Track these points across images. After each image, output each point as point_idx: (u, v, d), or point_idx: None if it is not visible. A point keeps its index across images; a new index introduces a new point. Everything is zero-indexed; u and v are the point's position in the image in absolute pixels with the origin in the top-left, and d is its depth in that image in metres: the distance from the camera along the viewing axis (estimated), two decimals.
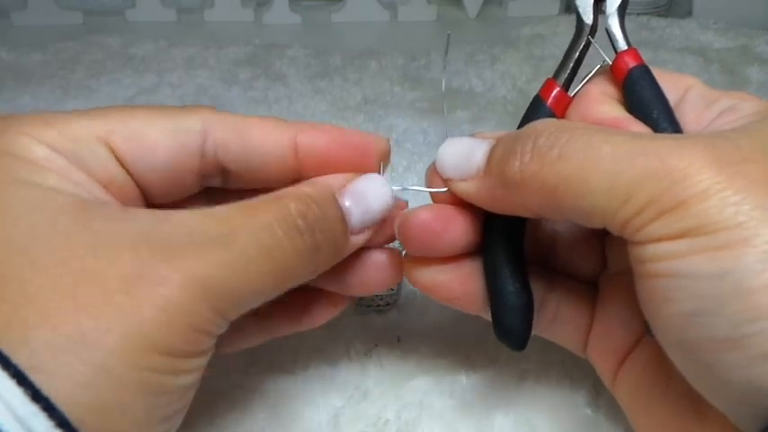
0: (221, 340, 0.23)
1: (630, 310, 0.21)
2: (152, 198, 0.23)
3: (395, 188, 0.25)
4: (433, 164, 0.25)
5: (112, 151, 0.21)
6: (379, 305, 0.31)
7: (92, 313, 0.17)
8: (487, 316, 0.25)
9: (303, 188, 0.22)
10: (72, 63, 0.57)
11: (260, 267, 0.20)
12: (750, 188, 0.18)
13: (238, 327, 0.24)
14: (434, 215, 0.24)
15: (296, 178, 0.24)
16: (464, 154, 0.23)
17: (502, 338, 0.25)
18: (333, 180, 0.24)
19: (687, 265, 0.18)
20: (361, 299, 0.31)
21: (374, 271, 0.25)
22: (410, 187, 0.25)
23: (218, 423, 0.27)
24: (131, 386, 0.17)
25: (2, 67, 0.57)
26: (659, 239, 0.19)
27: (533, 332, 0.25)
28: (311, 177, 0.24)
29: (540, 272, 0.26)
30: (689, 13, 0.69)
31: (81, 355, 0.17)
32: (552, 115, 0.25)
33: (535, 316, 0.25)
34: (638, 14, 0.65)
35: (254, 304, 0.21)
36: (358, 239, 0.24)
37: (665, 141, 0.19)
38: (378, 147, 0.25)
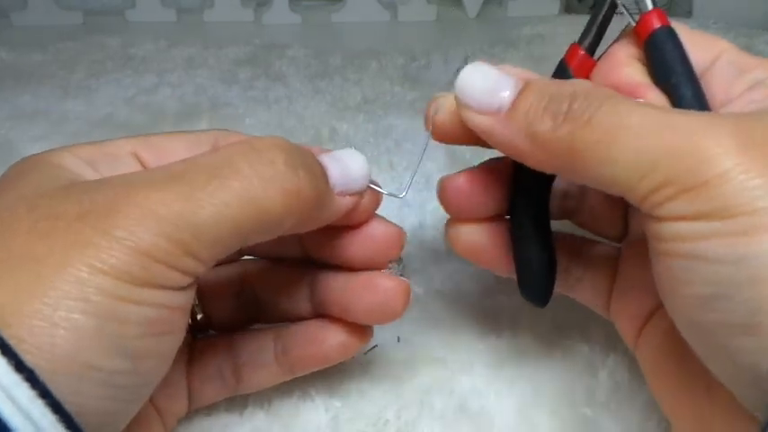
0: (240, 374, 0.25)
1: (650, 277, 0.21)
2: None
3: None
4: (434, 100, 0.24)
5: (139, 161, 0.23)
6: None
7: (46, 241, 0.17)
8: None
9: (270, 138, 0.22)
10: (72, 63, 0.57)
11: (221, 198, 0.19)
12: None
13: (259, 363, 0.26)
14: (467, 178, 0.25)
15: None
16: (488, 87, 0.22)
17: (526, 297, 0.26)
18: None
19: (704, 249, 0.18)
20: None
21: (381, 297, 0.25)
22: (372, 185, 0.25)
23: (217, 423, 0.27)
24: (80, 305, 0.17)
25: (2, 67, 0.57)
26: (677, 218, 0.18)
27: (548, 305, 0.26)
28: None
29: (567, 234, 0.27)
30: (689, 13, 0.69)
31: (33, 275, 0.17)
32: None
33: (560, 277, 0.26)
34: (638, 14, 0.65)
35: (229, 243, 0.20)
36: (341, 201, 0.23)
37: (696, 118, 0.19)
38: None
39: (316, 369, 0.27)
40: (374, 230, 0.25)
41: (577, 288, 0.27)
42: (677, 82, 0.23)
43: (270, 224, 0.20)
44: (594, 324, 0.31)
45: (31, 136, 0.47)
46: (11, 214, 0.18)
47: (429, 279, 0.34)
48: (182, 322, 0.20)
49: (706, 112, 0.21)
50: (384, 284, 0.25)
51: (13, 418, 0.15)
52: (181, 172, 0.20)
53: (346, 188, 0.23)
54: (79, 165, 0.21)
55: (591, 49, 0.25)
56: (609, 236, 0.28)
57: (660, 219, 0.19)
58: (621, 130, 0.19)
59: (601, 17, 0.25)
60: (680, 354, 0.22)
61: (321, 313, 0.26)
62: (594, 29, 0.25)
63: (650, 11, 0.24)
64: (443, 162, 0.43)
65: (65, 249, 0.17)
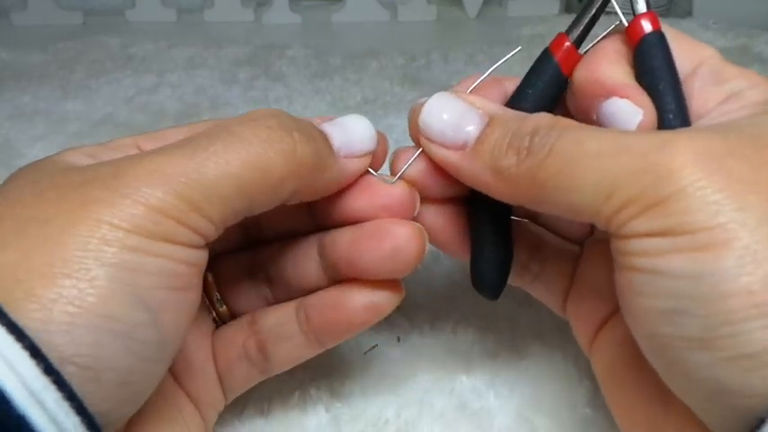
0: (266, 351, 0.25)
1: (609, 281, 0.21)
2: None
3: None
4: (416, 107, 0.24)
5: (140, 150, 0.23)
6: None
7: (53, 204, 0.18)
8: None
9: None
10: (72, 63, 0.57)
11: (223, 157, 0.19)
12: (733, 186, 0.17)
13: (284, 336, 0.25)
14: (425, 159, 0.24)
15: None
16: (453, 121, 0.23)
17: (476, 288, 0.25)
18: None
19: (666, 263, 0.18)
20: None
21: (391, 244, 0.23)
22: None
23: (218, 423, 0.27)
24: (93, 256, 0.17)
25: (2, 67, 0.57)
26: (640, 235, 0.19)
27: (526, 300, 0.26)
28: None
29: (529, 228, 0.27)
30: (689, 13, 0.69)
31: (42, 235, 0.17)
32: (559, 70, 0.24)
33: (516, 271, 0.25)
34: None
35: (235, 205, 0.20)
36: (346, 163, 0.23)
37: (651, 137, 0.19)
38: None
39: (345, 336, 0.25)
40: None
41: (534, 284, 0.27)
42: (664, 89, 0.22)
43: (272, 185, 0.20)
44: None
45: (31, 136, 0.47)
46: (16, 193, 0.19)
47: (429, 279, 0.34)
48: (196, 280, 0.20)
49: (662, 132, 0.21)
50: (394, 230, 0.23)
51: (38, 419, 0.16)
52: (183, 141, 0.20)
53: (351, 151, 0.23)
54: (81, 158, 0.21)
55: (578, 42, 0.25)
56: (571, 237, 0.27)
57: (624, 236, 0.19)
58: (581, 157, 0.19)
59: (592, 12, 0.25)
60: (635, 363, 0.22)
61: (337, 280, 0.25)
62: (584, 22, 0.25)
63: (644, 13, 0.24)
64: None
65: (72, 209, 0.18)
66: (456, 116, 0.23)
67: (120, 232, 0.17)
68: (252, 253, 0.27)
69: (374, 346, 0.30)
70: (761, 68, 0.56)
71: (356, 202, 0.24)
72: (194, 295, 0.20)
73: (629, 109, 0.22)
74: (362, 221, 0.24)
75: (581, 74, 0.24)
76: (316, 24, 0.67)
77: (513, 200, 0.22)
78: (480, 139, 0.22)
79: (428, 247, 0.24)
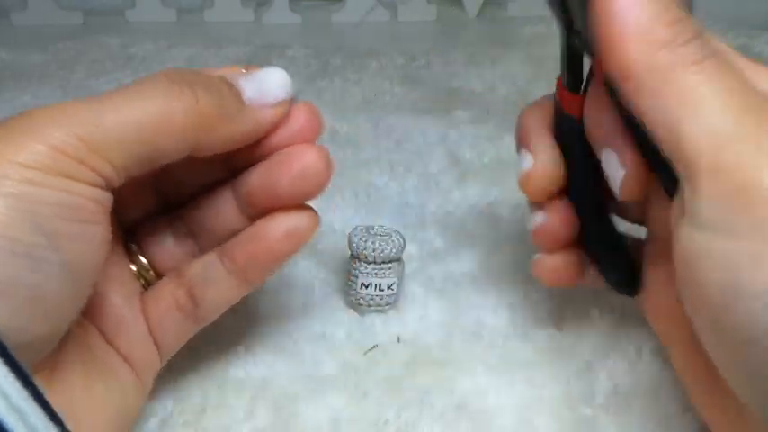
0: (194, 295, 0.25)
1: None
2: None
3: None
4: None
5: None
6: (379, 305, 0.31)
7: None
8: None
9: None
10: (72, 63, 0.57)
11: (122, 102, 0.21)
12: None
13: (210, 278, 0.25)
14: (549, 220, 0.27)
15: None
16: None
17: (619, 292, 0.28)
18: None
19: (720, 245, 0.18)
20: (361, 298, 0.31)
21: (303, 163, 0.24)
22: None
23: (218, 423, 0.27)
24: None
25: (2, 67, 0.57)
26: (712, 223, 0.18)
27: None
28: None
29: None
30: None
31: None
32: (573, 120, 0.24)
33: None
34: None
35: (136, 149, 0.21)
36: (259, 113, 0.24)
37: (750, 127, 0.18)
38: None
39: (269, 268, 0.25)
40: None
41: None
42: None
43: (174, 134, 0.21)
44: (594, 325, 0.31)
45: None
46: None
47: (429, 279, 0.34)
48: (100, 217, 0.21)
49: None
50: (301, 154, 0.24)
51: None
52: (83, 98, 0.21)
53: (264, 101, 0.24)
54: None
55: (572, 85, 0.24)
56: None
57: (694, 216, 0.18)
58: (706, 104, 0.18)
59: (565, 54, 0.24)
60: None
61: (255, 219, 0.25)
62: (565, 65, 0.24)
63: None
64: (444, 163, 0.43)
65: None
66: None
67: (20, 167, 0.19)
68: (173, 214, 0.27)
69: (374, 347, 0.30)
70: None
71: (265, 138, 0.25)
72: (98, 229, 0.21)
73: (615, 164, 0.23)
74: (269, 147, 0.25)
75: (592, 122, 0.24)
76: (316, 24, 0.67)
77: (617, 74, 0.20)
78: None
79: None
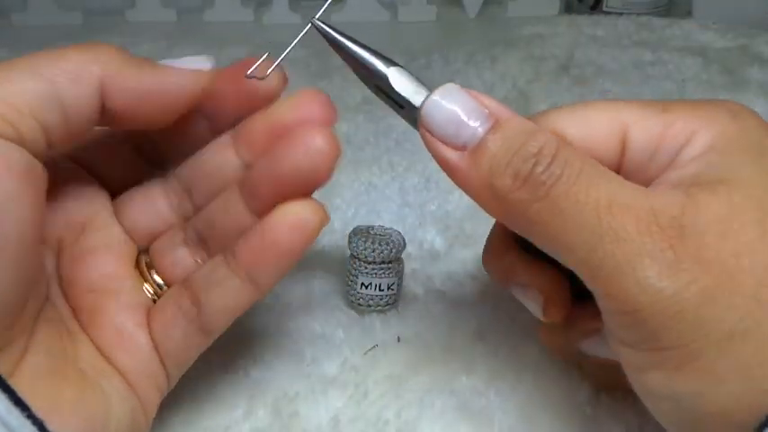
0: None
1: None
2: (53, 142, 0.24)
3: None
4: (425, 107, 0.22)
5: None
6: (379, 305, 0.31)
7: None
8: None
9: None
10: None
11: (26, 67, 0.21)
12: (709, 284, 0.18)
13: (215, 281, 0.23)
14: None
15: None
16: (456, 117, 0.21)
17: None
18: None
19: (650, 382, 0.19)
20: (361, 298, 0.31)
21: (310, 145, 0.23)
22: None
23: (218, 423, 0.27)
24: None
25: None
26: (622, 343, 0.19)
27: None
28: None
29: None
30: (689, 13, 0.69)
31: None
32: None
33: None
34: (638, 14, 0.65)
35: (43, 108, 0.21)
36: (177, 72, 0.25)
37: (633, 227, 0.19)
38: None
39: (277, 267, 0.23)
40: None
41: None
42: None
43: (83, 91, 0.21)
44: None
45: None
46: None
47: (429, 279, 0.34)
48: (34, 177, 0.20)
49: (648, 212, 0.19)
50: (309, 133, 0.23)
51: None
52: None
53: (176, 64, 0.24)
54: None
55: None
56: None
57: (609, 333, 0.20)
58: (574, 218, 0.19)
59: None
60: None
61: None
62: None
63: None
64: None
65: None
66: (460, 110, 0.21)
67: None
68: (186, 221, 0.26)
69: (374, 347, 0.30)
70: (761, 68, 0.56)
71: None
72: (36, 182, 0.20)
73: (527, 299, 0.25)
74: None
75: (484, 264, 0.28)
76: None
77: (504, 222, 0.21)
78: (480, 145, 0.21)
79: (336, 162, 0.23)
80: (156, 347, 0.24)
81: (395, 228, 0.32)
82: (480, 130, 0.21)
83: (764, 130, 0.21)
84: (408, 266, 0.34)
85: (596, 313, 0.21)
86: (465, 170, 0.21)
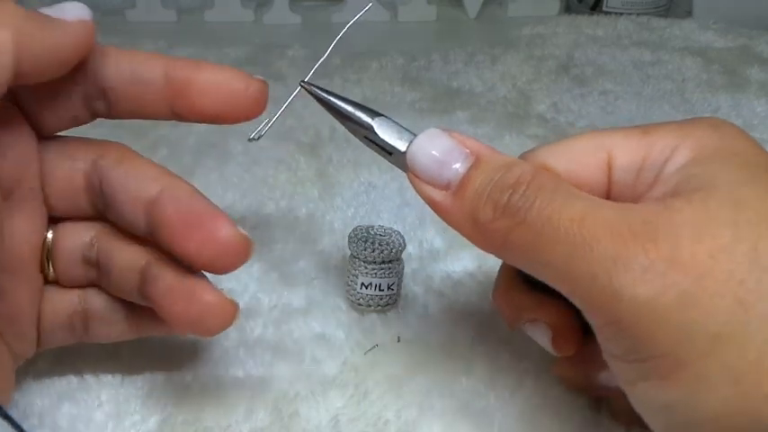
0: (88, 327, 0.26)
1: None
2: (43, 127, 0.25)
3: None
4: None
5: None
6: (379, 305, 0.31)
7: None
8: None
9: None
10: None
11: None
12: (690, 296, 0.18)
13: (108, 320, 0.26)
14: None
15: (173, 110, 0.25)
16: (439, 158, 0.23)
17: None
18: None
19: (642, 394, 0.19)
20: (361, 298, 0.31)
21: (197, 310, 0.23)
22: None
23: (218, 423, 0.27)
24: None
25: None
26: (612, 357, 0.20)
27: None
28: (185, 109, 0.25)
29: None
30: (689, 13, 0.69)
31: None
32: None
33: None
34: (638, 14, 0.65)
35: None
36: (65, 23, 0.23)
37: (613, 237, 0.19)
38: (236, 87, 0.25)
39: (180, 329, 0.25)
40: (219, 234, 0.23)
41: None
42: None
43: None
44: None
45: None
46: None
47: (429, 279, 0.34)
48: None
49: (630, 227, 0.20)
50: (206, 297, 0.23)
51: None
52: None
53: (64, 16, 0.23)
54: None
55: None
56: None
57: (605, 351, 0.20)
58: (552, 234, 0.19)
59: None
60: None
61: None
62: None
63: None
64: None
65: None
66: (443, 153, 0.23)
67: None
68: (92, 231, 0.26)
69: (374, 347, 0.30)
70: (761, 68, 0.56)
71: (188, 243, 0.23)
72: None
73: (537, 335, 0.26)
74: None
75: (495, 304, 0.28)
76: (316, 24, 0.67)
77: (491, 252, 0.22)
78: (463, 182, 0.22)
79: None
80: (36, 329, 0.25)
81: (395, 228, 0.32)
82: (461, 169, 0.22)
83: (746, 140, 0.21)
84: (408, 266, 0.34)
85: None
86: (450, 208, 0.22)
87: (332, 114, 0.26)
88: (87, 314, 0.26)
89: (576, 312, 0.24)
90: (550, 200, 0.20)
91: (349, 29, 0.26)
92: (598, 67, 0.56)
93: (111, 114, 0.26)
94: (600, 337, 0.20)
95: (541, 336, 0.25)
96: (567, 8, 0.70)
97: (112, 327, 0.26)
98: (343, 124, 0.26)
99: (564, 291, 0.20)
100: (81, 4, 0.24)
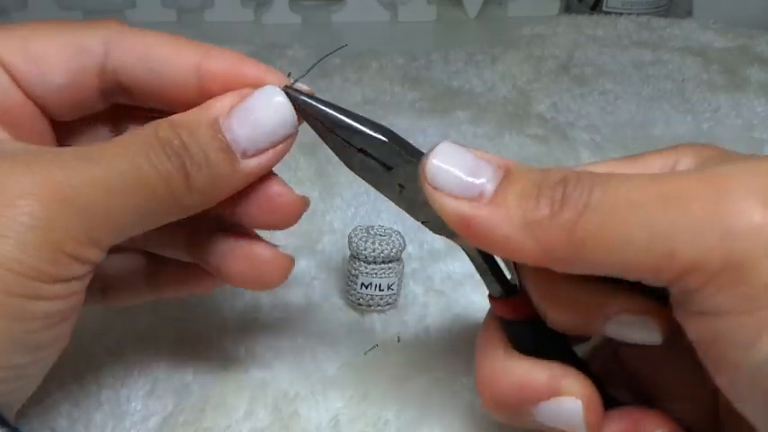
0: (107, 291, 0.25)
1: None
2: (55, 116, 0.23)
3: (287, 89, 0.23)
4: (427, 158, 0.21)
5: (11, 76, 0.21)
6: (379, 305, 0.31)
7: None
8: None
9: (176, 115, 0.21)
10: None
11: (127, 188, 0.19)
12: None
13: (127, 283, 0.26)
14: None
15: (201, 101, 0.23)
16: (466, 170, 0.20)
17: None
18: (225, 100, 0.22)
19: (760, 353, 0.17)
20: (361, 298, 0.31)
21: (257, 268, 0.24)
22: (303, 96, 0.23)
23: (218, 423, 0.27)
24: None
25: None
26: (722, 313, 0.17)
27: None
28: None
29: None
30: (689, 13, 0.69)
31: None
32: (521, 327, 0.23)
33: None
34: (638, 14, 0.65)
35: (130, 232, 0.20)
36: (252, 163, 0.22)
37: (698, 177, 0.18)
38: (271, 79, 0.23)
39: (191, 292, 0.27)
40: (274, 194, 0.23)
41: None
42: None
43: (172, 213, 0.21)
44: None
45: None
46: None
47: (429, 279, 0.34)
48: (79, 303, 0.20)
49: (708, 170, 0.19)
50: (263, 254, 0.24)
51: None
52: (88, 152, 0.19)
53: (258, 146, 0.22)
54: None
55: (505, 290, 0.23)
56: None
57: (703, 313, 0.18)
58: (626, 207, 0.18)
59: (482, 263, 0.23)
60: None
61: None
62: (488, 276, 0.23)
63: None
64: None
65: None
66: (468, 165, 0.21)
67: (17, 278, 0.17)
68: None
69: (374, 346, 0.30)
70: (761, 68, 0.56)
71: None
72: (76, 315, 0.20)
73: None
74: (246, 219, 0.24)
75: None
76: (316, 24, 0.67)
77: (542, 259, 0.20)
78: (502, 187, 0.20)
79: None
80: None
81: (395, 228, 0.32)
82: (493, 179, 0.20)
83: (732, 155, 0.21)
84: (408, 266, 0.34)
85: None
86: (488, 216, 0.20)
87: (313, 124, 0.24)
88: (105, 279, 0.25)
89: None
90: (607, 182, 0.19)
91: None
92: (598, 66, 0.56)
93: (133, 102, 0.24)
94: (702, 301, 0.18)
95: (571, 411, 0.21)
96: (567, 8, 0.70)
97: (131, 291, 0.26)
98: (326, 135, 0.24)
99: (648, 266, 0.18)
100: (278, 102, 0.23)
